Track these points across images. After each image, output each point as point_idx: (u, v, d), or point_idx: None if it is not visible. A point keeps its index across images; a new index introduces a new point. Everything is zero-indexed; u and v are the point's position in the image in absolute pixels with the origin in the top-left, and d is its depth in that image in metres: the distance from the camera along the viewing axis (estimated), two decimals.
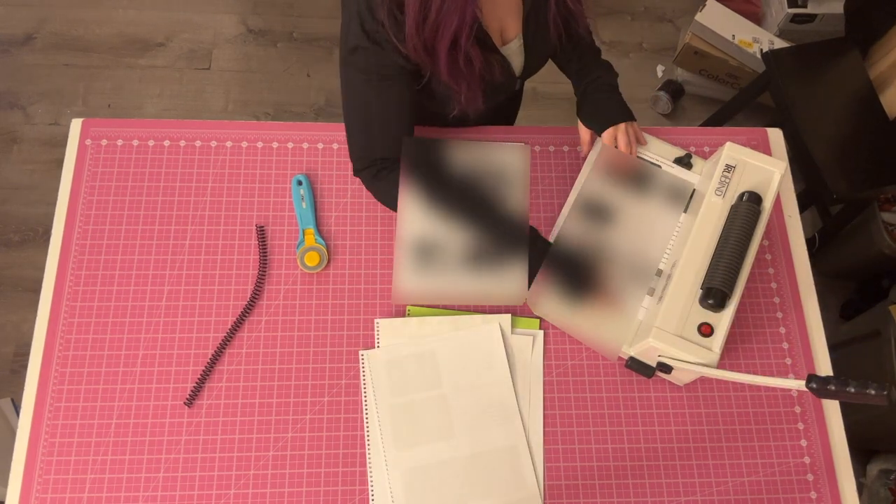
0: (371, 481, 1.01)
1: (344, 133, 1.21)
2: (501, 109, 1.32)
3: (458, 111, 1.01)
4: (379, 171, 1.08)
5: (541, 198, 1.20)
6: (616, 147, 1.14)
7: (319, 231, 1.15)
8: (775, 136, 1.27)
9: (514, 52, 1.06)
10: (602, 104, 1.15)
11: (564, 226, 1.14)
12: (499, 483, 1.01)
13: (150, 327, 1.08)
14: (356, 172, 1.10)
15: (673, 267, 1.04)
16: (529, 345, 1.09)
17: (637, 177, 1.17)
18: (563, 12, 1.03)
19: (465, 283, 1.10)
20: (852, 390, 0.80)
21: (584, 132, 1.18)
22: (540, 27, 1.04)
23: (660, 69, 2.41)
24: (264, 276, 1.12)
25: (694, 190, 1.16)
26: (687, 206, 1.15)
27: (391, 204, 1.12)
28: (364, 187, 1.16)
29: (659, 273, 1.10)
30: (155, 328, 1.08)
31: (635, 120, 1.16)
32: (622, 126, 1.13)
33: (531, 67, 1.11)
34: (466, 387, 1.06)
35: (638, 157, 1.16)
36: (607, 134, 1.13)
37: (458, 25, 0.85)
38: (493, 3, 0.97)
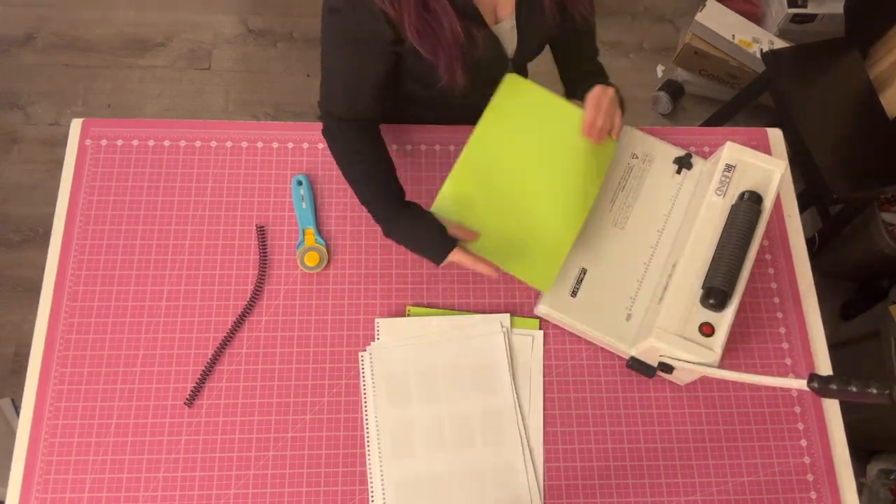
0: (371, 481, 1.01)
1: None
2: None
3: (443, 83, 0.99)
4: (332, 127, 1.07)
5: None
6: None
7: (319, 231, 1.15)
8: (775, 136, 1.27)
9: (507, 33, 1.04)
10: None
11: None
12: (495, 494, 1.01)
13: (150, 327, 1.08)
14: (318, 118, 1.10)
15: (673, 267, 1.04)
16: (529, 345, 1.09)
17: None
18: None
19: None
20: (854, 390, 0.80)
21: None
22: (534, 9, 1.03)
23: (660, 69, 2.41)
24: (264, 276, 1.12)
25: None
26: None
27: (338, 162, 1.08)
28: None
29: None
30: (155, 328, 1.08)
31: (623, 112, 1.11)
32: (609, 90, 1.06)
33: (525, 50, 1.09)
34: (466, 395, 1.06)
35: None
36: (591, 97, 1.06)
37: None
38: None
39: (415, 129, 1.22)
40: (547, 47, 1.19)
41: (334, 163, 1.19)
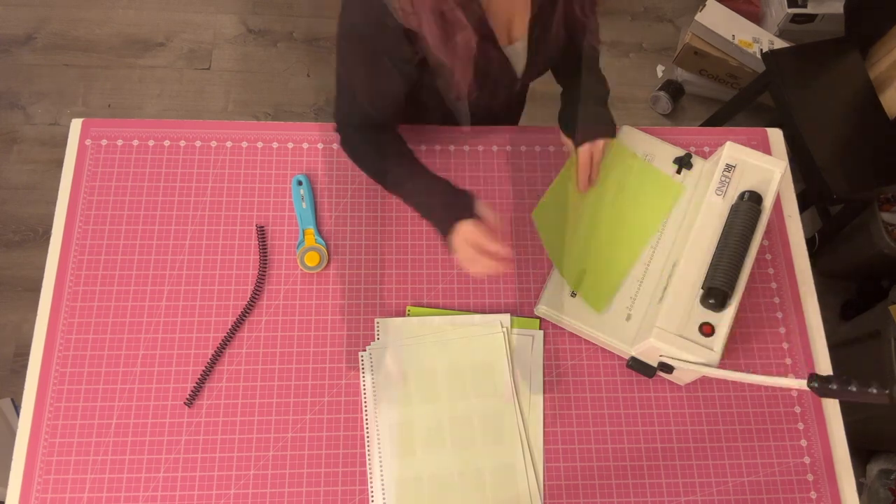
0: (371, 481, 1.01)
1: None
2: (505, 114, 1.32)
3: (454, 96, 1.00)
4: (350, 133, 1.08)
5: (541, 198, 1.19)
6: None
7: (319, 231, 1.15)
8: (775, 136, 1.27)
9: (518, 53, 1.06)
10: (580, 113, 1.13)
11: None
12: (495, 494, 1.01)
13: (150, 327, 1.08)
14: (336, 130, 1.10)
15: (673, 267, 1.04)
16: (529, 345, 1.09)
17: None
18: (569, 19, 1.03)
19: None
20: (854, 389, 0.80)
21: (566, 139, 1.18)
22: (544, 32, 1.04)
23: (660, 69, 2.41)
24: (264, 276, 1.12)
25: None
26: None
27: (359, 160, 1.10)
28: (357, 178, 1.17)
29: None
30: (155, 328, 1.08)
31: (614, 135, 1.13)
32: (599, 143, 1.11)
33: (533, 71, 1.11)
34: (466, 395, 1.06)
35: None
36: (583, 151, 1.11)
37: None
38: (500, 1, 0.97)
39: (427, 129, 1.22)
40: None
41: (334, 163, 1.19)
